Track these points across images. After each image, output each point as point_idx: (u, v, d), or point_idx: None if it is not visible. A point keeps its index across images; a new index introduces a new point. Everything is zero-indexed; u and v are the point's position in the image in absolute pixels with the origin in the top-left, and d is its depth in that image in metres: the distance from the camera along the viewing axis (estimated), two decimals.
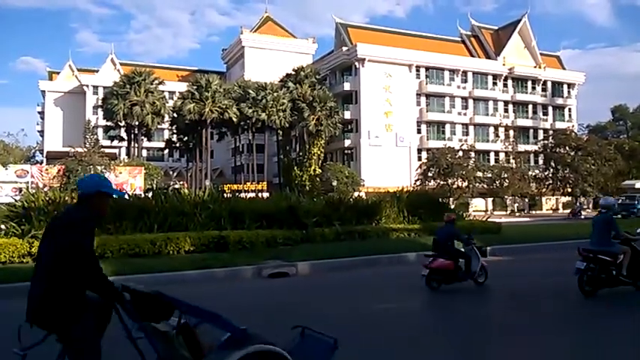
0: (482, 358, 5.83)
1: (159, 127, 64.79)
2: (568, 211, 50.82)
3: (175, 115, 61.92)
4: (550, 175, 56.13)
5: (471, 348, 6.15)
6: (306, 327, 3.81)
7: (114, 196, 3.94)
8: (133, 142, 63.63)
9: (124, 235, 12.83)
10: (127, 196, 16.30)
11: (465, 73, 66.59)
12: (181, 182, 53.70)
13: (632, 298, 8.38)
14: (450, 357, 5.86)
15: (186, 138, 64.90)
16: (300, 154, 61.66)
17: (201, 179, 59.97)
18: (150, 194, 17.28)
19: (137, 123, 60.77)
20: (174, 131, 65.89)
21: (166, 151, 71.51)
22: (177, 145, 67.52)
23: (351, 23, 69.11)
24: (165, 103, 62.33)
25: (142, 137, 64.40)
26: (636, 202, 42.68)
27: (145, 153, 70.37)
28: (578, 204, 53.41)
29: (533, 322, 7.02)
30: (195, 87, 60.04)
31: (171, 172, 69.75)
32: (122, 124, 62.06)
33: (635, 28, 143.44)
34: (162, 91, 63.91)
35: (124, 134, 64.58)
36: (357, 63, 60.76)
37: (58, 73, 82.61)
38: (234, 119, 59.55)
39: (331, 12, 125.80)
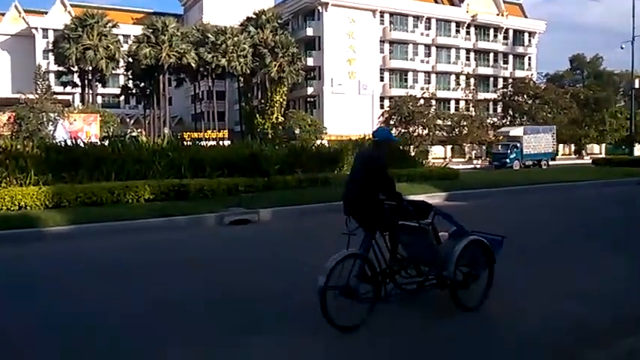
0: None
1: (114, 72, 62.25)
2: None
3: (131, 60, 59.54)
4: (508, 123, 57.36)
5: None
6: (479, 231, 5.53)
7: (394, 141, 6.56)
8: (87, 88, 61.14)
9: (81, 184, 12.54)
10: (82, 144, 15.82)
11: (428, 20, 66.05)
12: (139, 130, 52.42)
13: None
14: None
15: (142, 84, 62.78)
16: (262, 101, 60.74)
17: (159, 127, 58.59)
18: (106, 142, 16.79)
19: (91, 68, 58.20)
20: (130, 77, 63.55)
21: (122, 97, 68.95)
22: (134, 91, 65.28)
23: None
24: (119, 48, 59.71)
25: (97, 83, 61.88)
26: (508, 152, 40.68)
27: (99, 100, 67.81)
28: None
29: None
30: (150, 30, 57.60)
31: (127, 120, 67.80)
32: (75, 69, 59.35)
33: None
34: (117, 35, 61.07)
35: (77, 80, 61.91)
36: (320, 7, 59.30)
37: (3, 14, 77.39)
38: (193, 65, 57.78)
39: None
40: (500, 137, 47.21)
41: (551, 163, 42.69)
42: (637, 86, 43.59)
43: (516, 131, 43.93)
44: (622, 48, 39.48)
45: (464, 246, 5.19)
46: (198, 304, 5.81)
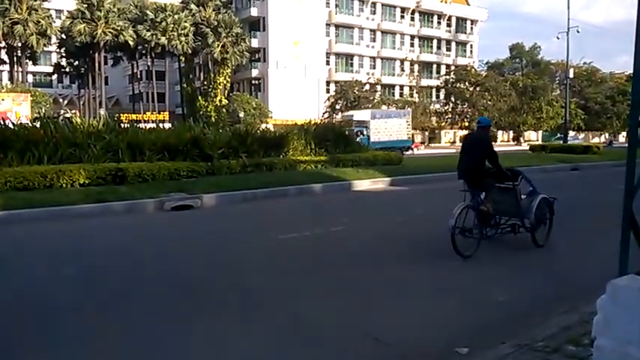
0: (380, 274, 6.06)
1: (45, 49, 58.86)
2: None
3: (64, 36, 56.51)
4: (450, 109, 58.85)
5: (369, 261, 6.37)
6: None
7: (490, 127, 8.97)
8: (16, 66, 57.51)
9: (10, 167, 11.79)
10: (11, 125, 14.86)
11: (374, 4, 66.35)
12: (73, 111, 49.99)
13: None
14: (350, 275, 6.04)
15: (77, 62, 59.79)
16: (205, 83, 59.29)
17: (95, 108, 56.14)
18: (38, 124, 15.85)
19: (20, 44, 54.75)
20: (64, 55, 60.33)
21: (55, 76, 65.53)
22: (67, 70, 62.09)
23: None
24: (51, 23, 56.37)
25: (27, 61, 58.36)
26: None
27: (30, 78, 64.17)
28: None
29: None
30: (85, 5, 54.75)
31: (61, 100, 64.57)
32: (2, 45, 55.65)
33: None
34: (49, 9, 57.58)
35: (5, 57, 58.11)
36: None
37: None
38: (131, 43, 55.53)
39: None
40: (343, 122, 38.25)
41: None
42: (572, 76, 45.64)
43: (362, 115, 38.53)
44: (558, 38, 41.09)
45: (538, 202, 7.44)
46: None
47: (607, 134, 72.77)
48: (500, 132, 61.30)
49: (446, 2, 72.21)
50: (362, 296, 5.49)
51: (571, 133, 50.20)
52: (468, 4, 78.18)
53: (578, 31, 39.78)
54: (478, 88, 56.84)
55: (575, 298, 5.03)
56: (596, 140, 65.44)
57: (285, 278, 6.20)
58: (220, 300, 5.41)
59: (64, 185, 11.68)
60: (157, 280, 6.07)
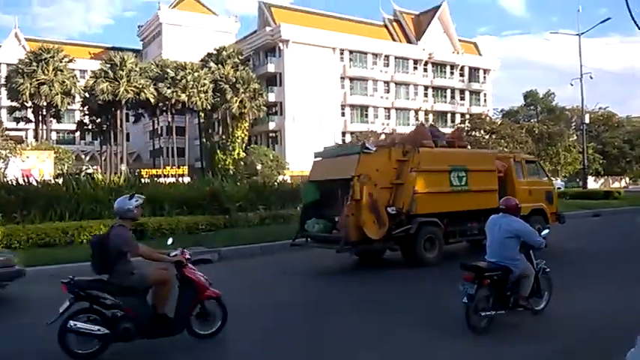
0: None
1: (69, 108, 60.82)
2: None
3: (87, 95, 58.40)
4: None
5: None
6: None
7: None
8: (41, 124, 59.40)
9: (33, 224, 11.97)
10: (34, 183, 15.19)
11: (387, 57, 67.73)
12: (95, 167, 51.08)
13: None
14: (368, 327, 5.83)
15: (99, 120, 61.40)
16: (224, 137, 60.30)
17: (116, 164, 57.25)
18: (60, 180, 16.20)
19: (45, 103, 56.72)
20: (87, 112, 62.11)
21: (78, 133, 67.35)
22: (90, 127, 63.74)
23: (275, 3, 68.12)
24: (76, 83, 58.53)
25: (51, 119, 60.26)
26: None
27: (54, 136, 66.08)
28: None
29: None
30: (108, 65, 56.83)
31: (83, 157, 66.10)
32: (29, 104, 57.70)
33: (544, 18, 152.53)
34: (73, 70, 59.97)
35: (30, 116, 60.14)
36: (281, 44, 60.08)
37: None
38: (152, 100, 57.07)
39: None
40: None
41: None
42: (587, 121, 45.49)
43: None
44: (572, 85, 41.20)
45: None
46: None
47: (628, 178, 71.68)
48: None
49: (458, 53, 73.43)
50: None
51: (590, 179, 49.52)
52: (480, 55, 79.43)
53: (591, 77, 39.96)
54: (494, 136, 56.77)
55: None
56: (616, 185, 64.36)
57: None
58: None
59: (84, 241, 11.75)
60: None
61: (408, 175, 10.50)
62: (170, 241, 6.45)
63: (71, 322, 5.21)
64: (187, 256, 5.97)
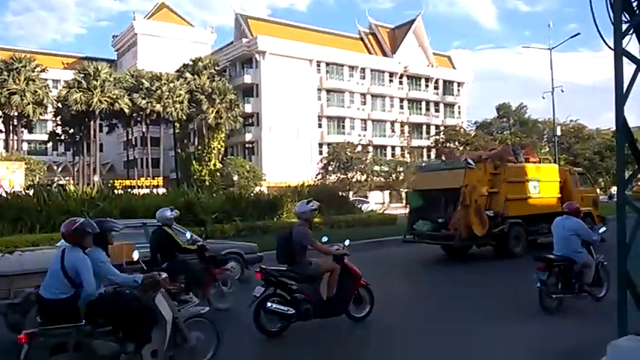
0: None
1: (41, 118, 59.81)
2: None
3: (60, 105, 57.45)
4: None
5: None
6: None
7: None
8: (11, 135, 58.22)
9: (2, 237, 11.73)
10: (4, 194, 14.89)
11: (363, 69, 68.42)
12: (67, 178, 50.15)
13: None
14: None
15: (72, 130, 60.42)
16: (199, 148, 59.94)
17: (89, 175, 56.34)
18: (31, 192, 15.90)
19: (16, 113, 55.64)
20: (59, 123, 61.12)
21: (50, 144, 66.05)
22: (63, 137, 62.68)
23: (252, 15, 68.34)
24: (48, 93, 57.62)
25: (22, 129, 59.11)
26: None
27: (25, 146, 64.73)
28: None
29: None
30: (82, 75, 56.09)
31: (55, 167, 64.83)
32: None
33: (517, 33, 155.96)
34: (46, 80, 59.03)
35: (0, 126, 58.91)
36: (257, 55, 60.20)
37: None
38: (126, 110, 56.46)
39: (230, 1, 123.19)
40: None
41: None
42: (559, 134, 46.54)
43: None
44: (543, 98, 42.22)
45: None
46: None
47: (598, 189, 73.33)
48: None
49: (432, 66, 74.60)
50: None
51: None
52: (454, 68, 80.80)
53: (562, 91, 41.09)
54: (468, 148, 57.74)
55: None
56: None
57: None
58: None
59: None
60: None
61: (501, 185, 13.15)
62: (325, 239, 7.46)
63: (269, 304, 6.39)
64: (346, 251, 7.16)
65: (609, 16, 4.21)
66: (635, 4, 4.27)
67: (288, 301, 6.49)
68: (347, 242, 7.46)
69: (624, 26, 4.22)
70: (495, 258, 13.17)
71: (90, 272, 4.56)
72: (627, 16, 4.24)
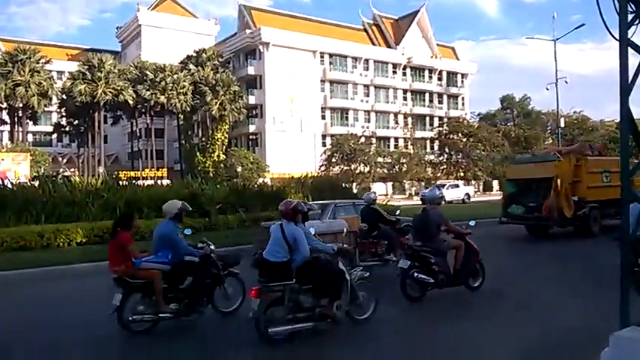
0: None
1: (46, 109, 59.88)
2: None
3: (65, 96, 57.57)
4: (444, 160, 59.44)
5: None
6: None
7: None
8: (16, 126, 58.37)
9: (8, 227, 11.80)
10: (9, 185, 14.97)
11: (366, 61, 68.16)
12: (72, 169, 50.42)
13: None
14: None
15: (77, 122, 60.58)
16: (203, 139, 60.00)
17: (94, 166, 56.51)
18: (36, 183, 15.99)
19: (21, 105, 55.78)
20: (64, 114, 61.27)
21: (55, 135, 66.28)
22: (67, 129, 62.85)
23: (255, 6, 68.11)
24: (53, 84, 57.68)
25: (27, 121, 59.26)
26: None
27: (30, 138, 64.97)
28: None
29: None
30: (86, 67, 56.12)
31: (60, 159, 65.11)
32: (4, 106, 56.67)
33: (521, 24, 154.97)
34: (50, 71, 59.07)
35: (6, 117, 59.04)
36: (261, 47, 60.04)
37: None
38: (131, 102, 56.52)
39: None
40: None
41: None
42: (563, 125, 46.32)
43: None
44: (547, 89, 41.92)
45: None
46: None
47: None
48: (495, 182, 61.60)
49: (436, 57, 74.23)
50: None
51: None
52: (458, 59, 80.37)
53: (566, 82, 40.74)
54: (471, 139, 57.58)
55: None
56: None
57: None
58: None
59: (61, 244, 11.66)
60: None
61: (583, 175, 15.22)
62: (472, 223, 8.83)
63: (415, 274, 7.53)
64: (469, 231, 8.28)
65: (614, 6, 4.19)
66: None
67: (427, 272, 7.60)
68: (472, 223, 8.77)
69: (630, 16, 4.20)
70: (574, 237, 15.24)
71: (305, 241, 5.91)
72: (633, 6, 4.22)
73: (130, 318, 6.13)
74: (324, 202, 13.33)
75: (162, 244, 6.56)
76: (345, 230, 9.62)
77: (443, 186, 41.48)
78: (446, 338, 6.03)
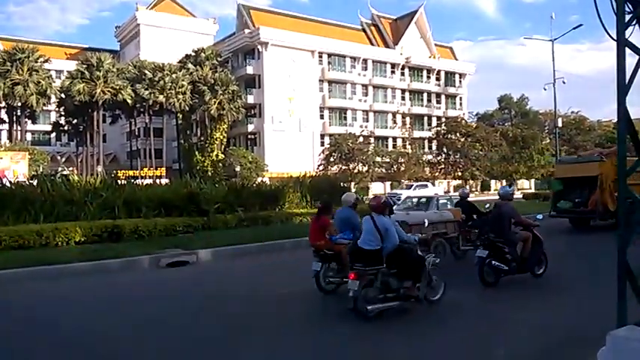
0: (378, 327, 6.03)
1: (45, 108, 59.77)
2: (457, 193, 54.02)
3: (63, 95, 57.49)
4: (442, 159, 59.49)
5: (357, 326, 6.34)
6: None
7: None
8: (15, 125, 58.27)
9: (6, 226, 11.77)
10: (8, 184, 14.95)
11: (365, 61, 68.19)
12: (71, 168, 50.24)
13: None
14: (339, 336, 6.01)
15: (75, 121, 60.55)
16: (202, 138, 59.99)
17: (92, 165, 56.47)
18: (35, 182, 15.96)
19: (20, 104, 55.67)
20: (62, 113, 61.20)
21: (53, 134, 66.27)
22: (66, 128, 62.83)
23: (254, 5, 68.04)
24: (51, 83, 57.57)
25: (26, 120, 59.18)
26: None
27: (29, 137, 64.89)
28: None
29: None
30: (85, 66, 56.05)
31: (59, 158, 65.02)
32: (2, 105, 56.56)
33: (519, 24, 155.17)
34: (49, 70, 58.96)
35: (4, 116, 58.96)
36: (260, 46, 60.03)
37: None
38: (129, 101, 56.46)
39: None
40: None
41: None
42: (560, 125, 46.39)
43: None
44: (545, 89, 42.00)
45: None
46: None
47: None
48: (493, 181, 61.64)
49: (434, 57, 74.28)
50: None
51: None
52: (456, 59, 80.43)
53: (564, 82, 40.86)
54: (469, 139, 57.61)
55: None
56: None
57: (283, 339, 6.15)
58: None
59: (59, 243, 11.64)
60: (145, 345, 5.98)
61: None
62: (540, 216, 10.18)
63: (493, 262, 8.38)
64: (535, 223, 9.24)
65: (612, 6, 4.21)
66: None
67: (501, 260, 8.43)
68: (540, 216, 10.12)
69: (627, 17, 4.22)
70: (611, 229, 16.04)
71: (395, 230, 6.80)
72: (630, 6, 4.24)
73: (325, 281, 7.95)
74: (427, 195, 16.79)
75: (344, 226, 8.09)
76: (452, 219, 11.49)
77: (410, 186, 41.09)
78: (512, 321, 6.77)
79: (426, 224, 9.88)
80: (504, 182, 66.87)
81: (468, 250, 10.99)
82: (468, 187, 47.47)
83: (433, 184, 45.55)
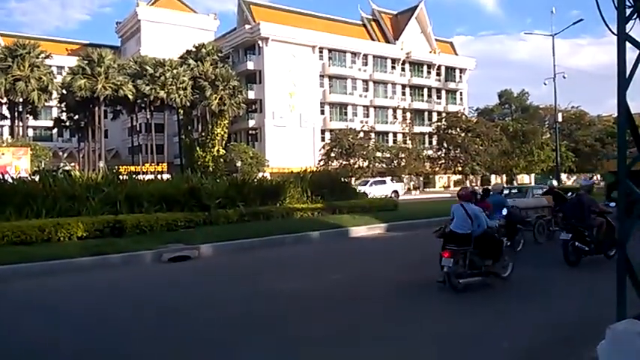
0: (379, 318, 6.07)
1: (46, 104, 59.75)
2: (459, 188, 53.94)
3: (65, 91, 57.42)
4: (443, 154, 59.49)
5: (358, 314, 6.36)
6: None
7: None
8: (16, 121, 58.25)
9: (9, 222, 11.79)
10: (10, 180, 14.96)
11: (365, 56, 68.04)
12: (72, 164, 50.36)
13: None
14: (341, 327, 6.03)
15: (77, 116, 60.54)
16: (203, 134, 60.00)
17: (94, 160, 56.48)
18: (37, 177, 15.97)
19: (21, 100, 55.62)
20: (64, 109, 61.18)
21: (55, 130, 66.19)
22: (68, 124, 62.78)
23: (254, 1, 67.85)
24: (53, 79, 57.48)
25: (28, 115, 59.15)
26: None
27: (31, 132, 64.81)
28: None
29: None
30: (86, 62, 55.97)
31: (60, 153, 65.07)
32: (4, 100, 56.50)
33: (519, 19, 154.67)
34: (50, 66, 58.86)
35: (6, 112, 58.96)
36: (260, 42, 59.92)
37: None
38: (130, 97, 56.43)
39: None
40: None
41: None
42: (560, 120, 46.36)
43: None
44: (545, 84, 41.97)
45: None
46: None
47: (599, 175, 73.14)
48: (493, 176, 61.62)
49: (435, 52, 74.12)
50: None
51: (563, 175, 50.55)
52: (456, 54, 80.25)
53: (564, 77, 40.81)
54: (469, 134, 57.57)
55: None
56: None
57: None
58: None
59: (61, 238, 11.66)
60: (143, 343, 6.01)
61: None
62: (613, 204, 10.49)
63: (577, 243, 9.62)
64: (610, 210, 10.22)
65: (613, 1, 4.22)
66: None
67: (582, 241, 9.62)
68: (613, 204, 10.57)
69: (627, 11, 4.23)
70: None
71: (483, 217, 8.06)
72: (630, 1, 4.25)
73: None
74: (524, 185, 18.97)
75: (497, 208, 10.45)
76: (547, 205, 14.00)
77: (367, 182, 39.58)
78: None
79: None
80: (504, 177, 67.13)
81: (556, 231, 12.60)
82: (467, 182, 47.48)
83: (392, 180, 44.17)
